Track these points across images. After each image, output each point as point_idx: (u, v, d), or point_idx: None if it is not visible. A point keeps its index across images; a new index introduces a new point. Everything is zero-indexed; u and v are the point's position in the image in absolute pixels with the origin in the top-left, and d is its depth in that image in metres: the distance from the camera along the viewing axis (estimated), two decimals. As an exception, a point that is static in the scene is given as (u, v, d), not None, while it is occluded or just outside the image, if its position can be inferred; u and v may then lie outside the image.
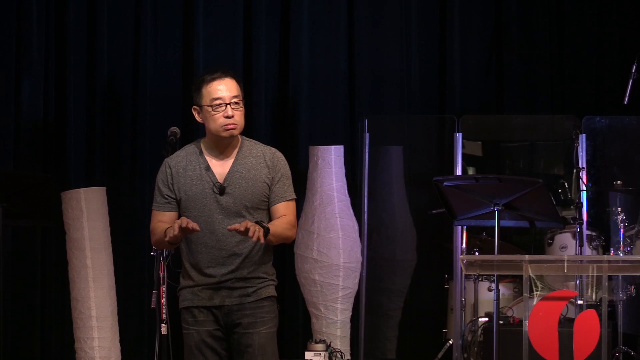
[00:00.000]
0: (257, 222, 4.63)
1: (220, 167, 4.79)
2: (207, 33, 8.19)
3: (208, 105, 4.75)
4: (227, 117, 4.72)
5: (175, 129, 5.00)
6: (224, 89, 4.75)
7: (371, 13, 8.37)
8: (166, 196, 4.78)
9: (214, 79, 4.77)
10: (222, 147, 4.80)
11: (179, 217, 4.77)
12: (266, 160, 4.83)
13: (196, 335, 4.76)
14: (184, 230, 4.58)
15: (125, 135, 8.14)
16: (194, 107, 4.82)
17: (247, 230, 4.55)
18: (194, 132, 8.00)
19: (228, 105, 4.73)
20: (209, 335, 4.76)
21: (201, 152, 4.81)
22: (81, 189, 7.42)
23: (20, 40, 8.01)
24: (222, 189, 4.75)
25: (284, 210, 4.82)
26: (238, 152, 4.82)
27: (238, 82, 4.80)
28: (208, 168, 4.78)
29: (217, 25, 8.22)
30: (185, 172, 4.78)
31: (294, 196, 4.90)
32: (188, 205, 4.75)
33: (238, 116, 4.76)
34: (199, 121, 4.83)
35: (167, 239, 4.65)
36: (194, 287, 4.78)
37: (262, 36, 8.25)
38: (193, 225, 4.58)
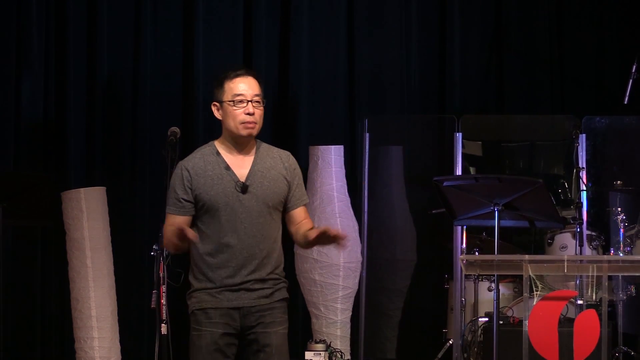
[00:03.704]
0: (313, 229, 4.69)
1: (240, 167, 4.77)
2: (207, 33, 8.19)
3: (229, 101, 4.74)
4: (248, 114, 4.73)
5: (175, 129, 5.00)
6: (247, 86, 4.75)
7: (371, 13, 8.37)
8: (182, 200, 4.75)
9: (237, 76, 4.77)
10: (239, 147, 4.79)
11: (193, 222, 4.76)
12: (283, 162, 4.85)
13: (209, 337, 4.72)
14: (181, 237, 4.57)
15: (125, 135, 8.14)
16: (214, 103, 4.80)
17: (329, 235, 4.62)
18: (194, 132, 8.02)
19: (249, 103, 4.74)
20: (221, 338, 4.73)
21: (218, 153, 4.79)
22: (81, 189, 7.42)
23: (20, 40, 8.01)
24: (244, 188, 4.73)
25: (305, 214, 4.85)
26: (256, 153, 4.82)
27: (260, 83, 4.80)
28: (228, 167, 4.76)
29: (217, 26, 8.23)
30: (205, 173, 4.75)
31: (308, 199, 4.96)
32: (211, 206, 4.71)
33: (258, 115, 4.76)
34: (218, 118, 4.81)
35: (165, 242, 4.64)
36: (211, 289, 4.74)
37: (262, 36, 8.25)
38: (193, 235, 4.57)
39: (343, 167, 7.70)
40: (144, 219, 7.89)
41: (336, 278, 7.50)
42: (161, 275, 5.04)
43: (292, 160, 4.89)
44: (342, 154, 7.71)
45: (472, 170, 7.98)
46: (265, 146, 4.87)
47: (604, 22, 8.38)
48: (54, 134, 8.05)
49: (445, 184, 6.02)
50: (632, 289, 7.23)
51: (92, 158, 8.08)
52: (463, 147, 7.73)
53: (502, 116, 8.28)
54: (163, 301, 4.95)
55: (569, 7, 8.42)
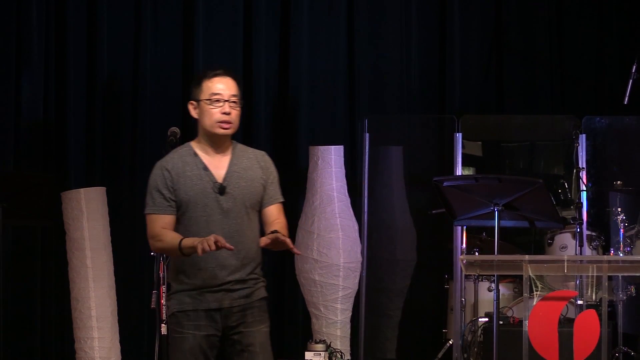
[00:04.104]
0: (273, 232, 4.64)
1: (217, 168, 4.79)
2: (207, 33, 8.20)
3: (206, 99, 4.77)
4: (224, 113, 4.74)
5: (175, 129, 5.00)
6: (224, 86, 4.78)
7: (371, 13, 8.37)
8: (169, 199, 4.77)
9: (215, 75, 4.81)
10: (215, 147, 4.81)
11: (176, 221, 4.76)
12: (259, 162, 4.87)
13: (192, 340, 4.73)
14: (217, 247, 4.54)
15: (125, 135, 8.14)
16: (191, 101, 4.83)
17: (281, 241, 4.57)
18: (194, 132, 7.99)
19: (226, 102, 4.75)
20: (204, 340, 4.73)
21: (195, 154, 4.81)
22: (81, 189, 7.42)
23: (20, 40, 8.01)
24: (222, 189, 4.75)
25: (278, 213, 4.84)
26: (232, 153, 4.84)
27: (238, 83, 4.83)
28: (206, 168, 4.78)
29: (217, 25, 8.23)
30: (184, 173, 4.77)
31: (283, 199, 4.93)
32: (189, 206, 4.74)
33: (234, 115, 4.78)
34: (194, 117, 4.84)
35: (199, 252, 4.54)
36: (191, 290, 4.75)
37: (262, 36, 8.25)
38: (224, 243, 4.55)
39: (343, 167, 7.70)
40: (143, 219, 7.86)
41: (336, 278, 7.50)
42: (161, 275, 5.03)
43: (267, 159, 4.91)
44: (342, 154, 7.71)
45: (470, 170, 7.98)
46: (240, 146, 4.90)
47: (604, 22, 8.38)
48: (54, 134, 8.05)
49: (445, 184, 6.02)
50: (632, 289, 7.23)
51: (92, 158, 8.09)
52: (463, 147, 7.73)
53: (502, 116, 8.28)
54: (163, 301, 4.93)
55: (569, 7, 8.42)
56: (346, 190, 7.69)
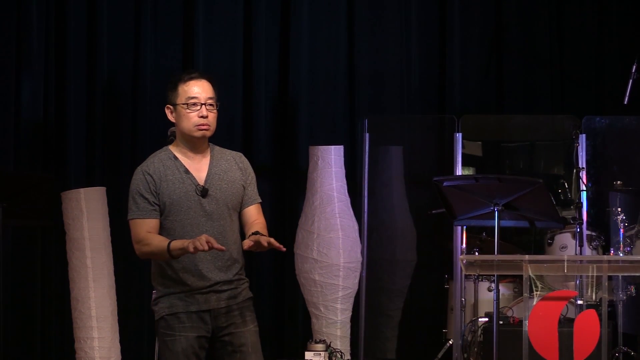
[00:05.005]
0: (255, 234, 4.64)
1: (197, 171, 4.81)
2: (207, 33, 8.20)
3: (183, 104, 4.77)
4: (202, 116, 4.75)
5: (175, 128, 5.01)
6: (201, 89, 4.79)
7: (371, 13, 8.37)
8: (153, 203, 4.75)
9: (191, 79, 4.81)
10: (194, 150, 4.82)
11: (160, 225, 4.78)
12: (237, 163, 4.90)
13: (184, 341, 4.73)
14: (209, 247, 4.54)
15: (125, 135, 8.14)
16: (167, 105, 4.84)
17: (268, 243, 4.58)
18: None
19: (203, 105, 4.76)
20: (196, 342, 4.75)
21: (175, 157, 4.82)
22: (81, 189, 7.41)
23: (20, 40, 8.01)
24: (204, 192, 4.76)
25: (257, 214, 4.87)
26: (211, 156, 4.86)
27: (214, 85, 4.84)
28: (187, 171, 4.79)
29: (217, 25, 8.23)
30: (166, 177, 4.78)
31: (261, 199, 4.95)
32: (172, 209, 4.74)
33: (212, 117, 4.80)
34: (172, 120, 4.84)
35: (191, 251, 4.54)
36: (180, 293, 4.76)
37: (262, 36, 8.25)
38: (218, 245, 4.57)
39: (343, 167, 7.70)
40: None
41: (336, 278, 7.50)
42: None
43: (245, 160, 4.94)
44: (342, 154, 7.71)
45: (470, 170, 7.98)
46: (218, 149, 4.91)
47: (604, 22, 8.38)
48: (54, 134, 8.05)
49: (445, 184, 6.02)
50: (632, 289, 7.23)
51: (92, 158, 8.08)
52: (463, 147, 7.73)
53: (502, 116, 8.28)
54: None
55: (569, 7, 8.42)
56: (346, 190, 7.69)
